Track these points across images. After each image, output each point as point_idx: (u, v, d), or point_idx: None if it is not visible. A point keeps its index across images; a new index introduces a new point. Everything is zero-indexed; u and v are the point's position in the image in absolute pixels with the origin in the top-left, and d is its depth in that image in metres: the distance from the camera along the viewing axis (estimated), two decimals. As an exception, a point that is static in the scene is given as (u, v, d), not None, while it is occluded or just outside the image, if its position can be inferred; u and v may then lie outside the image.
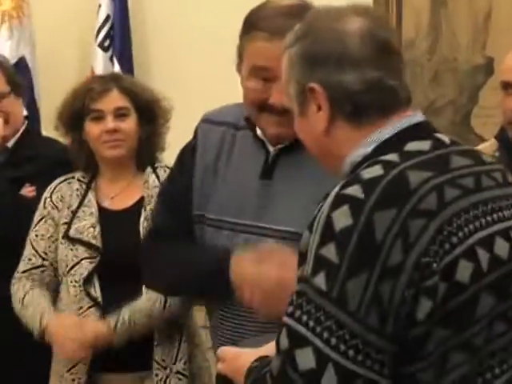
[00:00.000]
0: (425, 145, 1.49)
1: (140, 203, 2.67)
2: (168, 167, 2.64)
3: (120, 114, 2.69)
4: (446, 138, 1.54)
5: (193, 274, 2.07)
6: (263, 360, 1.56)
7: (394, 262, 1.36)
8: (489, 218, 1.46)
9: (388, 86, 1.51)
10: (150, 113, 2.73)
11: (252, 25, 1.99)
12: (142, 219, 2.62)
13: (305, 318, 1.39)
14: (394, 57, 1.55)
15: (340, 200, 1.40)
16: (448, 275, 1.39)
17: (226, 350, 1.69)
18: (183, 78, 4.01)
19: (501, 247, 1.46)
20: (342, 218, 1.38)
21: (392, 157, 1.45)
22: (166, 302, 2.57)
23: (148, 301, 2.57)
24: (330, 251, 1.38)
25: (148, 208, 2.63)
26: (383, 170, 1.42)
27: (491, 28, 3.33)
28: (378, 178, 1.41)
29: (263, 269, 1.90)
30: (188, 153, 2.17)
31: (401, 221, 1.37)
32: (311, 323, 1.38)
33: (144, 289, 2.55)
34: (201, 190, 2.11)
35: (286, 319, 1.41)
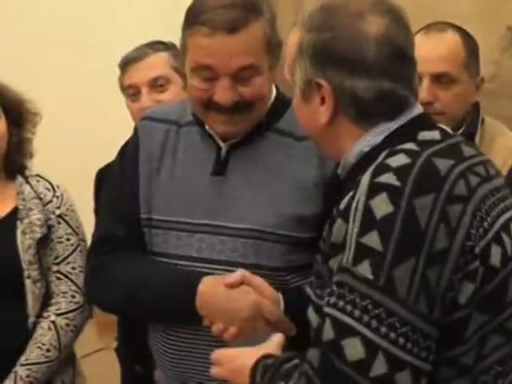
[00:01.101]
0: (435, 134, 1.53)
1: (14, 214, 2.51)
2: (39, 176, 2.58)
3: None
4: (448, 128, 1.58)
5: (153, 295, 1.96)
6: (280, 356, 1.59)
7: (440, 247, 1.39)
8: (502, 205, 1.52)
9: (399, 95, 1.53)
10: (18, 115, 2.56)
11: (193, 18, 1.89)
12: (18, 232, 2.47)
13: (349, 307, 1.40)
14: (408, 65, 1.56)
15: (376, 188, 1.41)
16: (485, 259, 1.43)
17: (221, 353, 1.69)
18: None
19: None
20: (383, 206, 1.39)
21: (411, 145, 1.47)
22: (59, 335, 2.46)
23: (41, 345, 2.44)
24: (373, 239, 1.39)
25: (26, 221, 2.49)
26: (410, 159, 1.44)
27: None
28: (408, 165, 1.42)
29: (238, 297, 1.84)
30: (129, 153, 2.08)
31: (440, 206, 1.40)
32: (357, 312, 1.39)
33: (31, 318, 2.44)
34: (146, 191, 2.02)
35: (328, 310, 1.42)
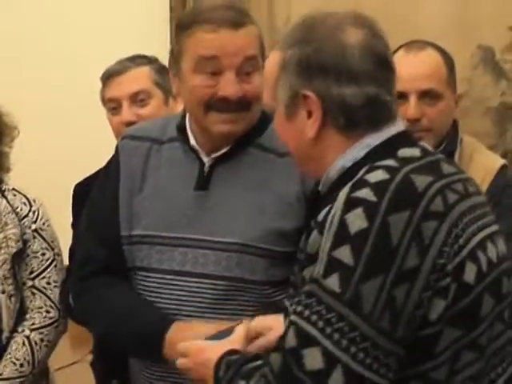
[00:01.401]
0: (415, 151, 1.54)
1: None
2: (15, 190, 2.58)
3: None
4: (428, 146, 1.61)
5: (127, 330, 2.00)
6: (244, 354, 1.62)
7: (411, 265, 1.41)
8: (480, 223, 1.53)
9: (383, 101, 1.56)
10: None
11: (191, 20, 1.96)
12: None
13: (314, 317, 1.42)
14: (390, 72, 1.59)
15: (352, 202, 1.43)
16: (458, 276, 1.44)
17: (189, 345, 1.71)
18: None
19: (491, 251, 1.53)
20: (358, 221, 1.41)
21: (390, 162, 1.49)
22: (33, 350, 2.47)
23: (15, 360, 2.46)
24: (345, 253, 1.41)
25: (1, 236, 2.49)
26: (389, 175, 1.46)
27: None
28: (386, 181, 1.45)
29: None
30: (111, 173, 2.11)
31: (415, 223, 1.41)
32: (321, 324, 1.41)
33: (5, 333, 2.45)
34: (128, 210, 2.05)
35: (294, 317, 1.44)
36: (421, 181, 1.46)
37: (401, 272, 1.40)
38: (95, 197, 2.16)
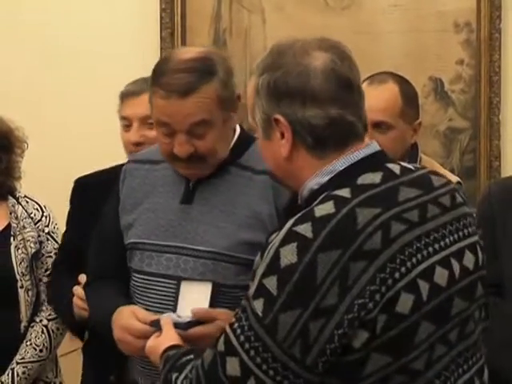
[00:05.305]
0: (376, 177, 1.55)
1: (7, 231, 2.70)
2: (27, 197, 2.76)
3: None
4: (397, 168, 1.60)
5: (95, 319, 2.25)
6: (181, 349, 1.68)
7: (329, 303, 1.43)
8: (430, 249, 1.52)
9: (348, 121, 1.58)
10: (8, 143, 2.74)
11: (154, 79, 2.06)
12: (12, 247, 2.67)
13: (239, 331, 1.49)
14: (355, 93, 1.60)
15: (290, 237, 1.47)
16: (388, 308, 1.45)
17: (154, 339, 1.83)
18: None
19: (440, 275, 1.52)
20: (289, 255, 1.45)
21: (344, 192, 1.51)
22: (50, 338, 2.72)
23: (35, 346, 2.68)
24: (272, 283, 1.46)
25: (19, 237, 2.67)
26: (334, 208, 1.47)
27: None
28: (329, 216, 1.46)
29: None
30: (116, 191, 2.26)
31: (343, 263, 1.43)
32: (242, 338, 1.48)
33: (23, 323, 2.67)
34: (128, 222, 2.21)
35: (227, 326, 1.52)
36: (365, 215, 1.46)
37: (318, 308, 1.43)
38: (104, 211, 2.30)
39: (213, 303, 1.99)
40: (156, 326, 1.90)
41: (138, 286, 2.16)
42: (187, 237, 2.10)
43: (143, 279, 2.15)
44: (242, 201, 2.08)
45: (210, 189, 2.12)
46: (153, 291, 2.12)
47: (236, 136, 2.16)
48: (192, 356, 1.62)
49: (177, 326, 1.88)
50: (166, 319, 1.87)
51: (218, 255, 2.05)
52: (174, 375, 1.59)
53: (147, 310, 2.07)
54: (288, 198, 2.00)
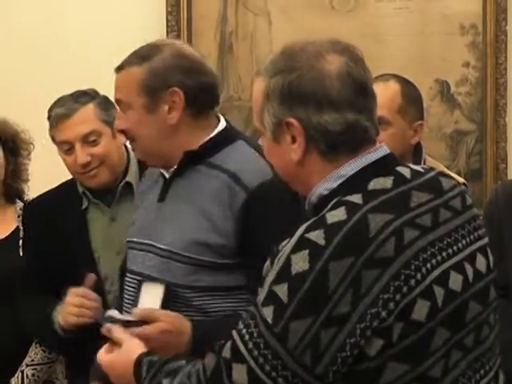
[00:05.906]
0: (387, 182, 1.53)
1: (16, 234, 2.77)
2: None
3: None
4: (407, 172, 1.57)
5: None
6: (164, 359, 1.62)
7: (341, 312, 1.41)
8: (444, 254, 1.50)
9: (363, 127, 1.56)
10: (15, 146, 2.80)
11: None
12: (21, 251, 2.74)
13: (247, 337, 1.47)
14: (369, 97, 1.58)
15: (302, 244, 1.44)
16: (404, 315, 1.43)
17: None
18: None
19: (455, 281, 1.50)
20: (300, 263, 1.43)
21: (356, 198, 1.48)
22: None
23: (44, 348, 2.73)
24: (283, 290, 1.43)
25: None
26: (346, 215, 1.45)
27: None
28: (341, 223, 1.44)
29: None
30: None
31: (355, 271, 1.41)
32: (250, 345, 1.46)
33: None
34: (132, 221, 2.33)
35: (234, 332, 1.49)
36: (377, 221, 1.44)
37: (330, 317, 1.41)
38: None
39: (167, 305, 2.03)
40: (104, 319, 1.90)
41: (124, 282, 2.25)
42: (155, 235, 2.16)
43: (127, 276, 2.24)
44: (197, 200, 2.12)
45: (179, 187, 2.17)
46: (126, 287, 2.21)
47: (214, 133, 2.18)
48: (183, 362, 1.60)
49: (113, 322, 1.87)
50: (118, 329, 1.82)
51: (173, 254, 2.10)
52: (166, 381, 1.57)
53: (124, 306, 2.16)
54: (243, 200, 2.05)
